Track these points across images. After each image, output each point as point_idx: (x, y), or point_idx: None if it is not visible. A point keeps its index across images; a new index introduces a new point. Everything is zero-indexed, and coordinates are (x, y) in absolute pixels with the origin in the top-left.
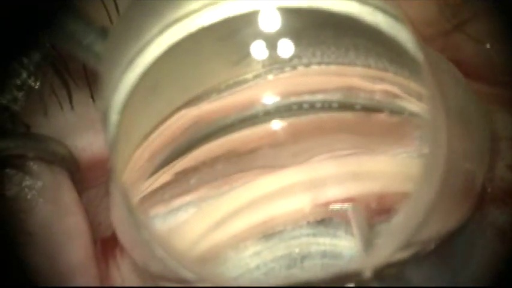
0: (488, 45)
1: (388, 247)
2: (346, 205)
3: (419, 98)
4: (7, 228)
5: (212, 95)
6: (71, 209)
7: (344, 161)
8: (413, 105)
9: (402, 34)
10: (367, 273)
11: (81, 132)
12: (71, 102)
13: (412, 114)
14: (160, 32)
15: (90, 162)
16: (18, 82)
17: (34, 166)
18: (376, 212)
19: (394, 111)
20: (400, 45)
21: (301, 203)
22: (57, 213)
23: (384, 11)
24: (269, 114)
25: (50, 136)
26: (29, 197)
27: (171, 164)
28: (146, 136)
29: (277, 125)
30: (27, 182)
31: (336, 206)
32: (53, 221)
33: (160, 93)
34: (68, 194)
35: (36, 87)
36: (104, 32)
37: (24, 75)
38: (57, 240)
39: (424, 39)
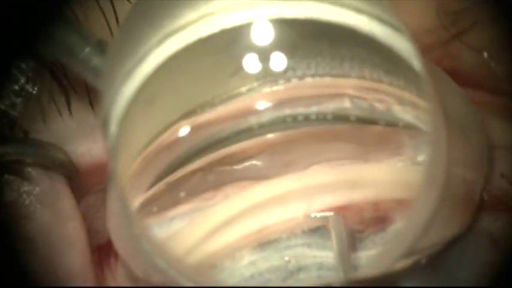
0: (485, 54)
1: (389, 256)
2: (326, 214)
3: (414, 107)
4: (6, 234)
5: (207, 108)
6: (69, 215)
7: (339, 169)
8: (408, 115)
9: (400, 44)
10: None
11: (80, 139)
12: (69, 108)
13: (407, 125)
14: (158, 43)
15: (88, 168)
16: (17, 88)
17: (32, 172)
18: (371, 220)
19: (389, 122)
20: (397, 55)
21: (296, 211)
22: (55, 219)
23: (382, 21)
24: (264, 126)
25: (49, 142)
26: (27, 202)
27: (167, 176)
28: (143, 148)
29: (271, 137)
30: (26, 187)
31: (317, 214)
32: (52, 227)
33: (156, 105)
34: (66, 200)
35: (35, 92)
36: (100, 45)
37: (22, 80)
38: (56, 246)
39: (422, 48)
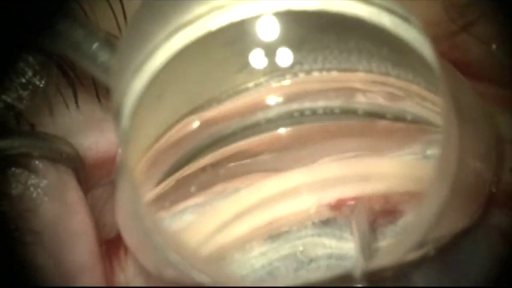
0: (494, 47)
1: (400, 247)
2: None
3: (422, 100)
4: (13, 227)
5: (215, 103)
6: (77, 208)
7: (348, 162)
8: (416, 108)
9: (410, 34)
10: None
11: (87, 131)
12: (76, 101)
13: (416, 118)
14: (167, 37)
15: (95, 161)
16: (23, 81)
17: (39, 165)
18: (381, 213)
19: (397, 115)
20: (406, 46)
21: (306, 204)
22: (62, 212)
23: (391, 11)
24: (271, 121)
25: (55, 135)
26: (34, 195)
27: (177, 170)
28: (152, 143)
29: (280, 131)
30: (33, 180)
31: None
32: (59, 220)
33: (165, 100)
34: (73, 193)
35: (41, 86)
36: (108, 41)
37: (29, 73)
38: (63, 239)
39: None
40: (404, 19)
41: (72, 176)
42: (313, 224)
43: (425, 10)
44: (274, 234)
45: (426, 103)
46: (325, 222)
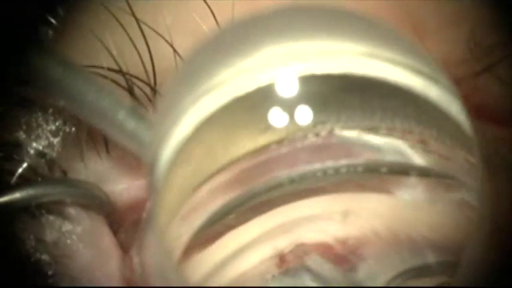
0: None
1: None
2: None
3: (447, 158)
4: (50, 273)
5: (238, 164)
6: (111, 253)
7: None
8: (442, 165)
9: (438, 94)
10: None
11: (118, 177)
12: (107, 147)
13: (441, 175)
14: (194, 102)
15: (126, 205)
16: (54, 128)
17: (72, 211)
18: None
19: (422, 172)
20: (433, 104)
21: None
22: (98, 258)
23: (418, 72)
24: (294, 182)
25: (87, 181)
26: (69, 242)
27: (203, 232)
28: (179, 207)
29: None
30: (67, 227)
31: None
32: (95, 266)
33: (191, 165)
34: (106, 239)
35: (72, 132)
36: (134, 109)
37: (60, 120)
38: (101, 283)
39: (452, 80)
40: (432, 79)
41: (105, 221)
42: (274, 277)
43: (450, 49)
44: None
45: (451, 161)
46: (285, 273)
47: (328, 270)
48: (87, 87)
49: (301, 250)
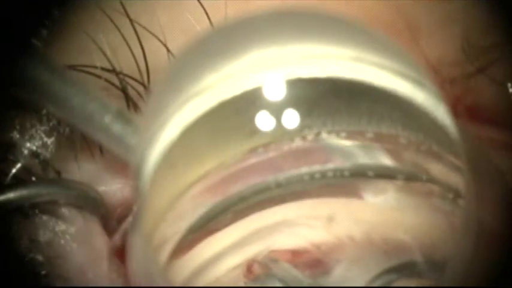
0: (510, 86)
1: None
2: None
3: (437, 160)
4: (43, 273)
5: (224, 169)
6: (104, 254)
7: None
8: (428, 169)
9: (423, 99)
10: None
11: (112, 178)
12: (101, 147)
13: (430, 179)
14: (180, 106)
15: (119, 205)
16: (48, 128)
17: (66, 212)
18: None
19: (408, 176)
20: (419, 109)
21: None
22: (92, 258)
23: (404, 76)
24: (281, 186)
25: (81, 181)
26: (62, 242)
27: (188, 237)
28: (165, 211)
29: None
30: (60, 227)
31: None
32: (89, 267)
33: (176, 169)
34: (99, 239)
35: (66, 132)
36: (120, 113)
37: (54, 121)
38: (93, 284)
39: (445, 81)
40: (419, 83)
41: (98, 222)
42: (245, 284)
43: (444, 50)
44: None
45: (440, 165)
46: (255, 281)
47: (295, 277)
48: (73, 91)
49: (269, 258)
